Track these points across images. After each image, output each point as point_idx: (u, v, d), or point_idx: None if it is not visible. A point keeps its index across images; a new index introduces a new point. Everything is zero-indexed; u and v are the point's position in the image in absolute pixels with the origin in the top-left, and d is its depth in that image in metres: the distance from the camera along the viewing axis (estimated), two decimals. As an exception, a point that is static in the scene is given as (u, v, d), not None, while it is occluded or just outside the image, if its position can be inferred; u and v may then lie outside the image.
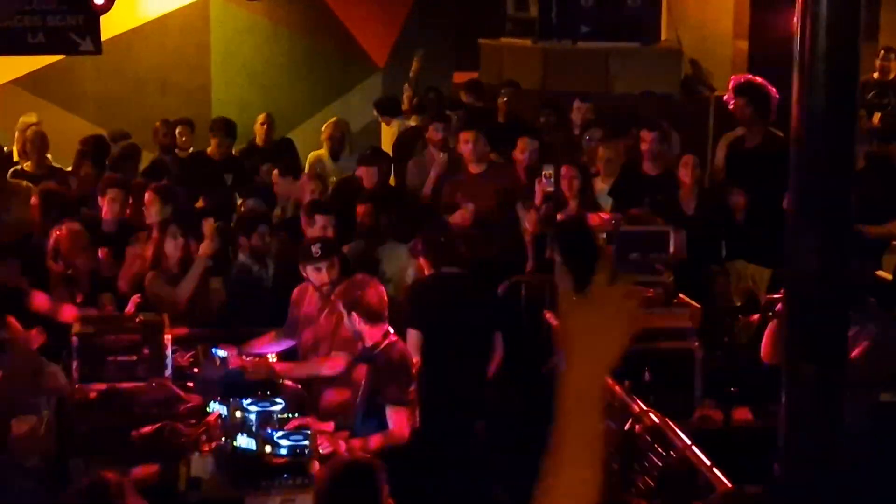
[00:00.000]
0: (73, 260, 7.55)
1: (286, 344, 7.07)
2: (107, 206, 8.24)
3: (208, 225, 7.60)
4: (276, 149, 10.98)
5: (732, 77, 8.70)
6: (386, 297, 6.19)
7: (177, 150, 10.82)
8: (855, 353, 5.50)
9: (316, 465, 5.49)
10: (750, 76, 8.61)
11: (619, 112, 10.29)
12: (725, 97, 8.48)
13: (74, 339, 6.43)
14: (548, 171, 8.26)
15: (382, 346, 6.10)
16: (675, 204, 8.05)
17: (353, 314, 6.07)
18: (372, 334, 6.09)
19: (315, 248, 6.80)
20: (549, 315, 7.19)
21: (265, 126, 11.21)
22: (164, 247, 7.62)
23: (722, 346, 6.83)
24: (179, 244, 7.59)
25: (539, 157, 8.89)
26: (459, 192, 8.73)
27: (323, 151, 10.78)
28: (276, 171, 9.38)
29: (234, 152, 10.76)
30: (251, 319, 7.40)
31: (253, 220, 8.11)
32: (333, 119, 11.12)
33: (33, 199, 8.38)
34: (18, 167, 10.13)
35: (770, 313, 5.68)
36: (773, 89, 8.21)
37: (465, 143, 8.89)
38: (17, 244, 7.82)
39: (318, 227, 7.72)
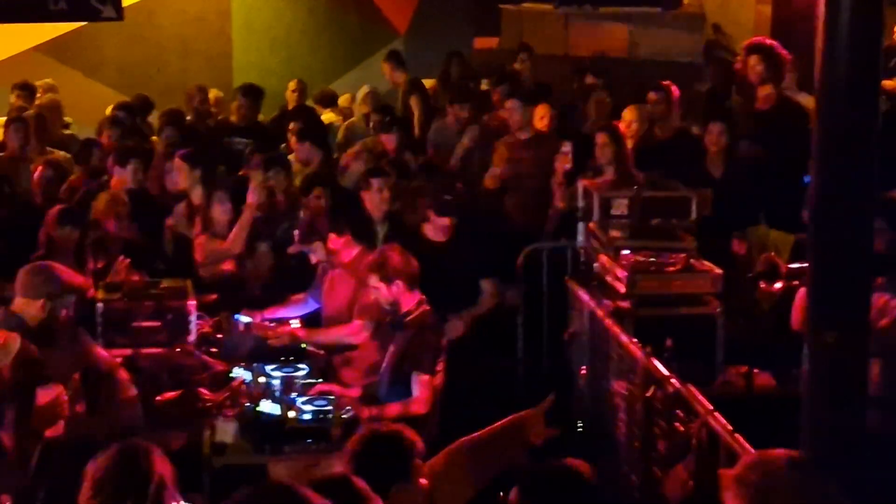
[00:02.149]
0: (105, 225, 7.55)
1: (312, 306, 7.09)
2: (130, 177, 8.24)
3: (256, 176, 7.69)
4: (295, 117, 10.96)
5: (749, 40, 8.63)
6: (417, 263, 6.21)
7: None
8: (888, 321, 5.47)
9: (338, 431, 5.52)
10: (762, 38, 8.53)
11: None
12: (738, 60, 8.41)
13: (99, 305, 6.47)
14: (566, 147, 8.25)
15: (416, 313, 6.11)
16: (701, 167, 8.01)
17: (398, 282, 6.07)
18: (409, 301, 6.10)
19: None
20: (570, 282, 7.21)
21: (296, 93, 11.20)
22: (211, 212, 7.69)
23: (744, 313, 6.82)
24: (228, 208, 7.66)
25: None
26: (504, 155, 8.77)
27: (357, 120, 10.77)
28: (293, 138, 9.38)
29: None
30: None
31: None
32: (368, 89, 11.10)
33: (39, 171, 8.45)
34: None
35: (797, 281, 5.65)
36: (785, 52, 8.15)
37: (513, 112, 8.89)
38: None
39: (374, 189, 7.77)
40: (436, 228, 7.36)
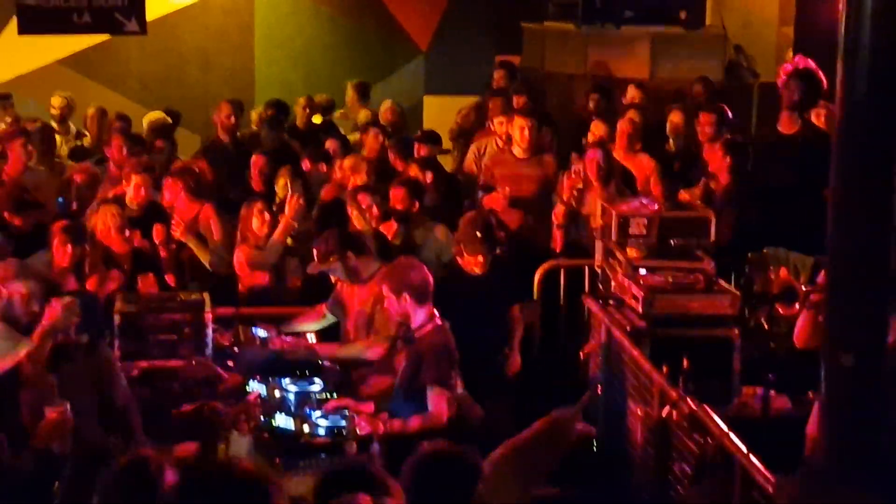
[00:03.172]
0: (108, 241, 7.59)
1: (330, 320, 7.09)
2: (135, 190, 8.20)
3: (296, 186, 7.77)
4: (316, 133, 10.97)
5: (797, 57, 8.50)
6: (431, 278, 6.19)
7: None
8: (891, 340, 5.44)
9: (353, 446, 5.51)
10: (809, 63, 8.41)
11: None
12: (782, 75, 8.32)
13: (117, 317, 6.48)
14: (577, 165, 8.24)
15: (428, 327, 6.06)
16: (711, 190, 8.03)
17: (405, 295, 6.05)
18: (419, 315, 6.07)
19: None
20: (587, 300, 7.19)
21: (307, 109, 11.21)
22: (248, 224, 7.73)
23: (761, 334, 6.80)
24: (267, 220, 7.69)
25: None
26: (500, 174, 8.73)
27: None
28: (305, 159, 9.38)
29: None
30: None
31: None
32: (390, 103, 11.11)
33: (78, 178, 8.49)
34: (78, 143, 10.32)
35: (806, 302, 5.64)
36: (823, 77, 8.09)
37: (522, 130, 8.84)
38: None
39: (364, 205, 7.83)
40: (471, 264, 7.36)
